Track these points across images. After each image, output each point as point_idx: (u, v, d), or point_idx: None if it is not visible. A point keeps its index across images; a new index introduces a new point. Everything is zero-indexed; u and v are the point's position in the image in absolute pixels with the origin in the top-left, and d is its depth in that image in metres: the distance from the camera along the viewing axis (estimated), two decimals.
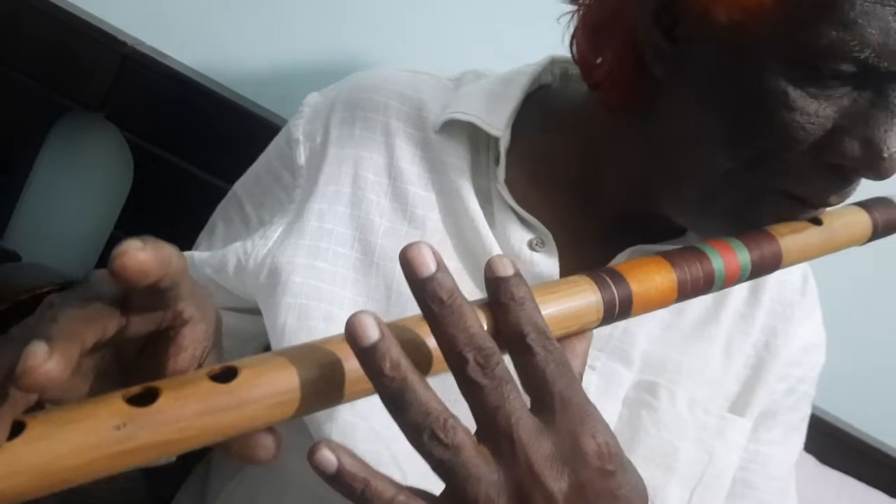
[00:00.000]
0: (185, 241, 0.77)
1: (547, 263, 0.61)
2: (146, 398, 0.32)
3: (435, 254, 0.37)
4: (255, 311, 0.66)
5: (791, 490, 0.69)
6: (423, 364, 0.38)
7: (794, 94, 0.48)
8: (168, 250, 0.32)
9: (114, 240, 1.05)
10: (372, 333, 0.35)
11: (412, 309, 0.59)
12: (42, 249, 1.09)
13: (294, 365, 0.35)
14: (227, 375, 0.34)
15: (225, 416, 0.33)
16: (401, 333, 0.37)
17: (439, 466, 0.36)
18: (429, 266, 0.37)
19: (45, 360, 0.28)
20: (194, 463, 0.81)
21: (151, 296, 0.33)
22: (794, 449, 0.70)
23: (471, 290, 0.61)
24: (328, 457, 0.36)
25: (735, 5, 0.47)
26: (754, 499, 0.66)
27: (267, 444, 0.36)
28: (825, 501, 1.06)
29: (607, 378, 0.62)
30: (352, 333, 0.35)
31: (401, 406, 0.35)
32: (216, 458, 0.76)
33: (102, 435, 0.30)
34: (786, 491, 0.68)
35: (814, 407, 0.72)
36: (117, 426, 0.30)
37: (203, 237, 0.74)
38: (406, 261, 0.37)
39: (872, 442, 1.15)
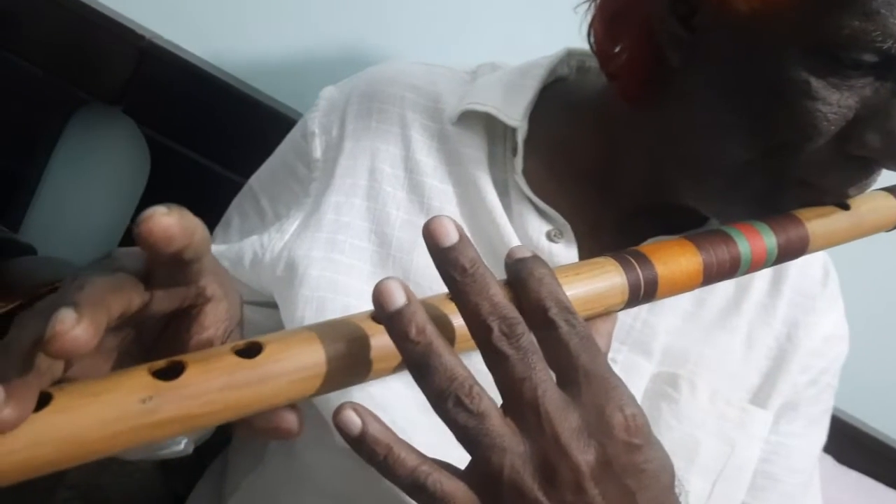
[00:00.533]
0: None
1: (565, 254, 0.60)
2: (171, 372, 0.32)
3: (457, 226, 0.37)
4: (270, 305, 0.66)
5: (814, 483, 0.69)
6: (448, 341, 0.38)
7: (816, 83, 0.47)
8: (193, 219, 0.32)
9: (130, 234, 1.05)
10: (398, 298, 0.35)
11: None
12: (58, 243, 1.09)
13: (319, 340, 0.35)
14: (251, 351, 0.34)
15: (250, 390, 0.33)
16: (426, 309, 0.37)
17: (464, 434, 0.36)
18: (451, 236, 0.37)
19: (74, 326, 0.28)
20: (210, 458, 0.81)
21: (175, 270, 0.33)
22: (817, 441, 0.69)
23: None
24: (353, 419, 0.36)
25: None
26: (777, 491, 0.65)
27: (290, 419, 0.36)
28: (842, 502, 1.05)
29: (628, 370, 0.61)
30: (378, 299, 0.35)
31: (425, 371, 0.35)
32: (234, 453, 0.77)
33: (128, 407, 0.30)
34: (808, 484, 0.68)
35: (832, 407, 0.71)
36: (143, 399, 0.30)
37: (219, 231, 0.74)
38: (428, 232, 0.37)
39: (891, 442, 1.14)
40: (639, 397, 0.62)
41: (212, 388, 0.32)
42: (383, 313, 0.35)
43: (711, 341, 0.63)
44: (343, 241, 0.62)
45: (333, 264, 0.61)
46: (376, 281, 0.60)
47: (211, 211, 0.76)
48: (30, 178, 1.05)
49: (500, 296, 0.37)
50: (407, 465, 0.36)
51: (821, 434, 0.70)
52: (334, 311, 0.59)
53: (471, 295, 0.36)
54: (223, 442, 0.79)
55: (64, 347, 0.28)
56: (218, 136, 1.01)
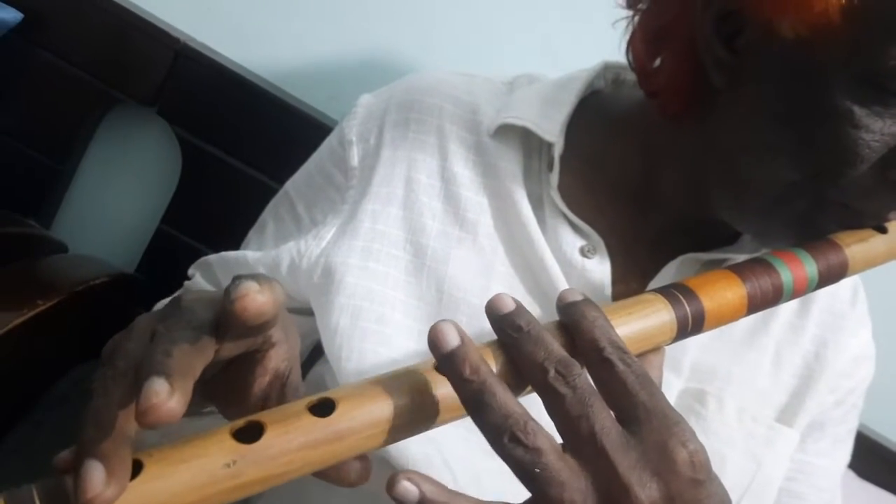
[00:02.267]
0: (231, 237, 0.78)
1: (599, 270, 0.61)
2: (251, 432, 0.33)
3: (515, 299, 0.39)
4: (304, 311, 0.67)
5: (837, 501, 0.69)
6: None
7: (860, 112, 0.47)
8: (278, 288, 0.33)
9: (160, 233, 1.07)
10: (452, 339, 0.37)
11: (463, 312, 0.60)
12: (88, 240, 1.11)
13: (388, 395, 0.36)
14: (325, 408, 0.35)
15: (326, 448, 0.34)
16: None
17: (521, 470, 0.36)
18: (509, 305, 0.39)
19: (168, 399, 0.29)
20: None
21: (252, 328, 0.35)
22: (842, 461, 0.69)
23: (521, 295, 0.62)
24: (409, 487, 0.37)
25: (802, 21, 0.47)
26: None
27: (357, 468, 0.37)
28: None
29: None
30: (434, 341, 0.37)
31: (481, 408, 0.36)
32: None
33: (215, 473, 0.32)
34: (832, 502, 0.68)
35: None
36: (227, 464, 0.32)
37: (253, 235, 0.75)
38: (490, 305, 0.39)
39: None
40: None
41: (291, 448, 0.33)
42: (438, 354, 0.37)
43: (739, 359, 0.63)
44: (379, 250, 0.62)
45: (369, 272, 0.61)
46: (411, 290, 0.62)
47: (241, 213, 0.78)
48: (63, 175, 1.07)
49: (554, 344, 0.38)
50: None
51: (845, 454, 0.70)
52: (369, 320, 0.60)
53: (527, 344, 0.38)
54: None
55: (161, 419, 0.29)
56: (249, 139, 1.02)
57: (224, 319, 0.34)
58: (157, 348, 0.32)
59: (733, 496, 0.61)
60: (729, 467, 0.61)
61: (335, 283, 0.61)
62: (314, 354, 0.70)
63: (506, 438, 0.36)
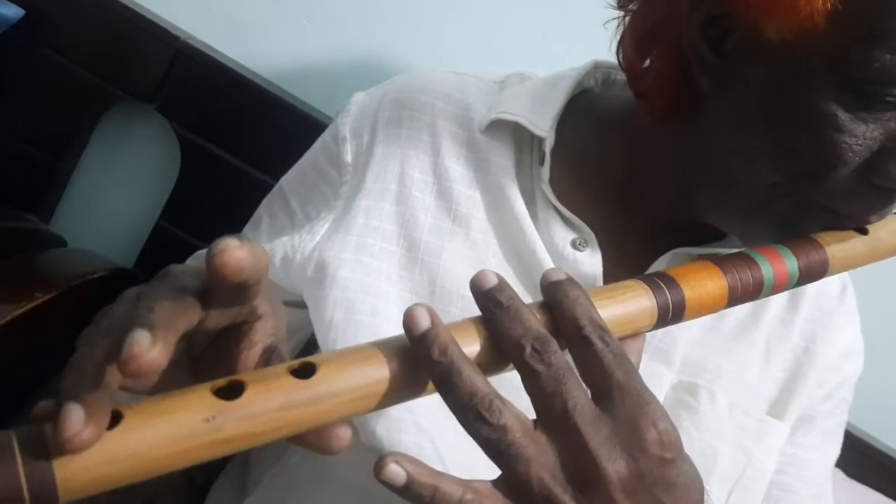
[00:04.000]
0: (228, 232, 0.78)
1: (590, 263, 0.62)
2: (231, 391, 0.34)
3: (498, 275, 0.40)
4: (297, 305, 0.67)
5: (827, 496, 0.70)
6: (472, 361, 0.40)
7: (844, 116, 0.48)
8: (260, 249, 0.34)
9: (158, 229, 1.07)
10: (423, 322, 0.37)
11: (456, 305, 0.61)
12: (87, 236, 1.11)
13: (369, 361, 0.37)
14: (306, 371, 0.35)
15: (306, 410, 0.35)
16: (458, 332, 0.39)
17: (488, 447, 0.37)
18: (491, 280, 0.40)
19: (150, 348, 0.30)
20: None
21: (235, 292, 0.35)
22: (831, 454, 0.70)
23: (514, 287, 0.62)
24: (396, 469, 0.38)
25: (787, 25, 0.48)
26: (790, 502, 0.66)
27: (341, 435, 0.37)
28: None
29: (649, 378, 0.61)
30: (407, 324, 0.38)
31: (448, 388, 0.37)
32: (256, 447, 0.77)
33: (193, 427, 0.32)
34: (821, 496, 0.69)
35: None
36: (206, 419, 0.32)
37: (248, 230, 0.75)
38: (473, 280, 0.40)
39: None
40: None
41: (271, 407, 0.34)
42: (411, 337, 0.38)
43: (730, 353, 0.64)
44: (372, 245, 0.63)
45: (363, 266, 0.62)
46: (404, 283, 0.63)
47: (239, 209, 0.79)
48: (63, 171, 1.08)
49: (532, 320, 0.39)
50: (453, 498, 0.38)
51: (835, 447, 0.71)
52: (363, 313, 0.61)
53: (506, 320, 0.38)
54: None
55: (141, 368, 0.30)
56: (248, 137, 1.03)
57: (209, 285, 0.35)
58: (140, 304, 0.33)
59: (724, 489, 0.62)
60: (720, 460, 0.62)
61: (328, 278, 0.62)
62: (308, 349, 0.71)
63: (471, 417, 0.37)
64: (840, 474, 1.08)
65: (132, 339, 0.30)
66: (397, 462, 0.38)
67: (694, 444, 0.62)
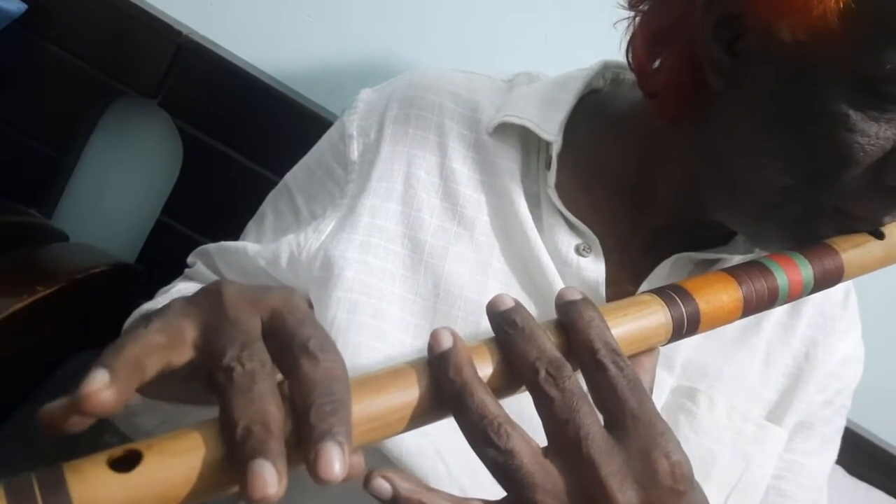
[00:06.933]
0: (230, 229, 0.79)
1: (593, 269, 0.61)
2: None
3: (515, 298, 0.40)
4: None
5: (823, 500, 0.70)
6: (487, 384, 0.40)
7: (856, 116, 0.48)
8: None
9: (160, 224, 1.07)
10: (445, 343, 0.38)
11: (459, 307, 0.61)
12: (89, 231, 1.11)
13: (397, 388, 0.37)
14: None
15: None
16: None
17: (495, 470, 0.37)
18: (507, 303, 0.40)
19: (103, 389, 0.31)
20: None
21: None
22: (828, 460, 0.70)
23: (517, 292, 0.62)
24: (382, 484, 0.38)
25: (800, 25, 0.47)
26: None
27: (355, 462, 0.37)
28: None
29: None
30: (431, 345, 0.38)
31: (459, 409, 0.37)
32: None
33: (212, 463, 0.32)
34: (818, 501, 0.69)
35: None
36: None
37: (252, 226, 0.75)
38: (490, 303, 0.40)
39: None
40: (658, 409, 0.63)
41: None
42: (432, 356, 0.38)
43: (731, 358, 0.64)
44: (377, 245, 0.63)
45: (367, 267, 0.62)
46: (408, 285, 0.62)
47: (241, 205, 0.79)
48: (65, 165, 1.08)
49: (547, 343, 0.38)
50: None
51: (832, 453, 0.71)
52: (366, 314, 0.60)
53: (521, 342, 0.38)
54: None
55: (93, 407, 0.30)
56: (250, 133, 1.03)
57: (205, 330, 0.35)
58: (114, 344, 0.33)
59: (722, 493, 0.62)
60: (718, 465, 0.62)
61: (334, 277, 0.62)
62: None
63: (480, 439, 0.37)
64: (841, 472, 1.08)
65: (88, 378, 0.31)
66: (384, 477, 0.38)
67: (692, 448, 0.62)
